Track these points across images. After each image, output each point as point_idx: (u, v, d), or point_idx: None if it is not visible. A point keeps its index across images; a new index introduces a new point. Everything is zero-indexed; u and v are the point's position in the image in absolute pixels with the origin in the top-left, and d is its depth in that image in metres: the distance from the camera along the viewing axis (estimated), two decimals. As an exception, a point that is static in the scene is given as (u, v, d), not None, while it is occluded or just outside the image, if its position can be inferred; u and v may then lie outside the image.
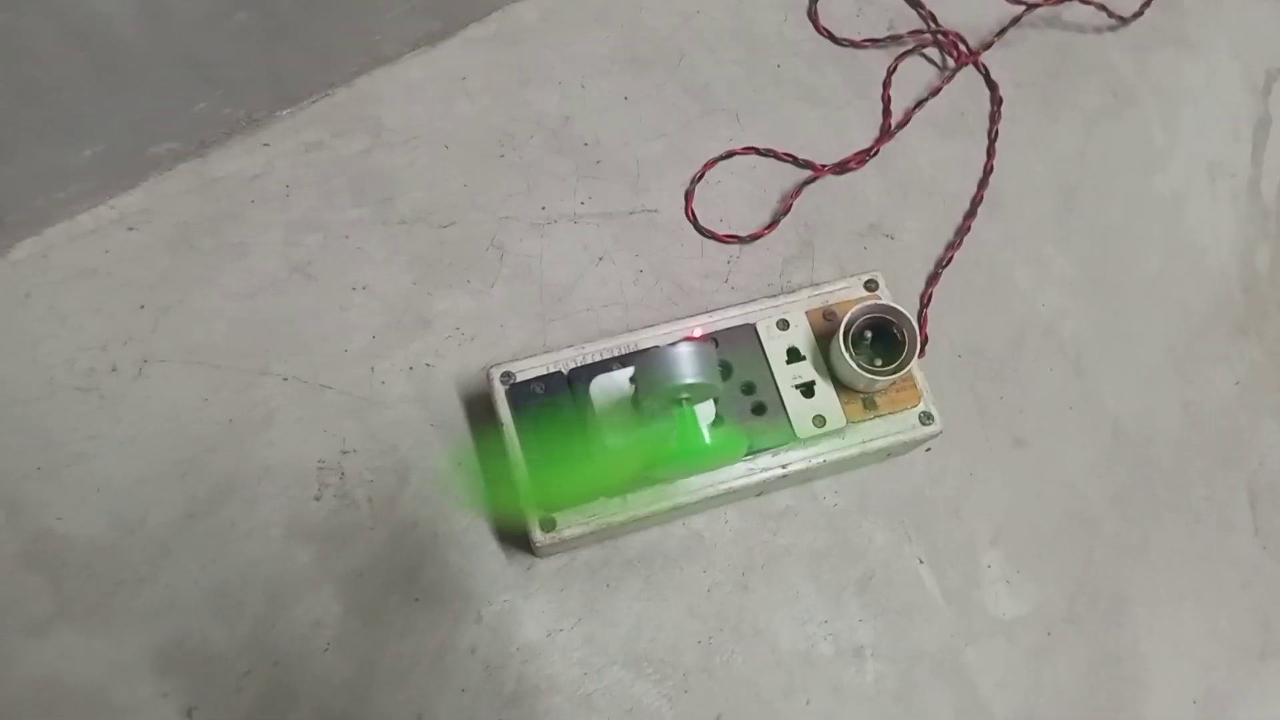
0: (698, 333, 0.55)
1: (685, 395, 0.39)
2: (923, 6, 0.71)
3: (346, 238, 0.62)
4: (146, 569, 0.54)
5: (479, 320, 0.60)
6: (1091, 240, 0.67)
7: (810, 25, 0.70)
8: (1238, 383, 0.64)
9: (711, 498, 0.53)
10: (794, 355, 0.55)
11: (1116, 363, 0.64)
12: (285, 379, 0.58)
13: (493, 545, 0.56)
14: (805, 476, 0.56)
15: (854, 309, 0.53)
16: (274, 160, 0.63)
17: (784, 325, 0.56)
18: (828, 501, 0.59)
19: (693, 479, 0.53)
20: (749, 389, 0.54)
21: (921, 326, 0.62)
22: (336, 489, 0.56)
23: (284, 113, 0.64)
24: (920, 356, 0.60)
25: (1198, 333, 0.65)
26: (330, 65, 0.63)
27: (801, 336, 0.55)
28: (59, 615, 0.53)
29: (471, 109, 0.66)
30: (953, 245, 0.65)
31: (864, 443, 0.55)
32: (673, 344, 0.40)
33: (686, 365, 0.39)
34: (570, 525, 0.52)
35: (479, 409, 0.58)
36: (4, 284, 0.59)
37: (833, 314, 0.56)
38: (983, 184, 0.67)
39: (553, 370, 0.54)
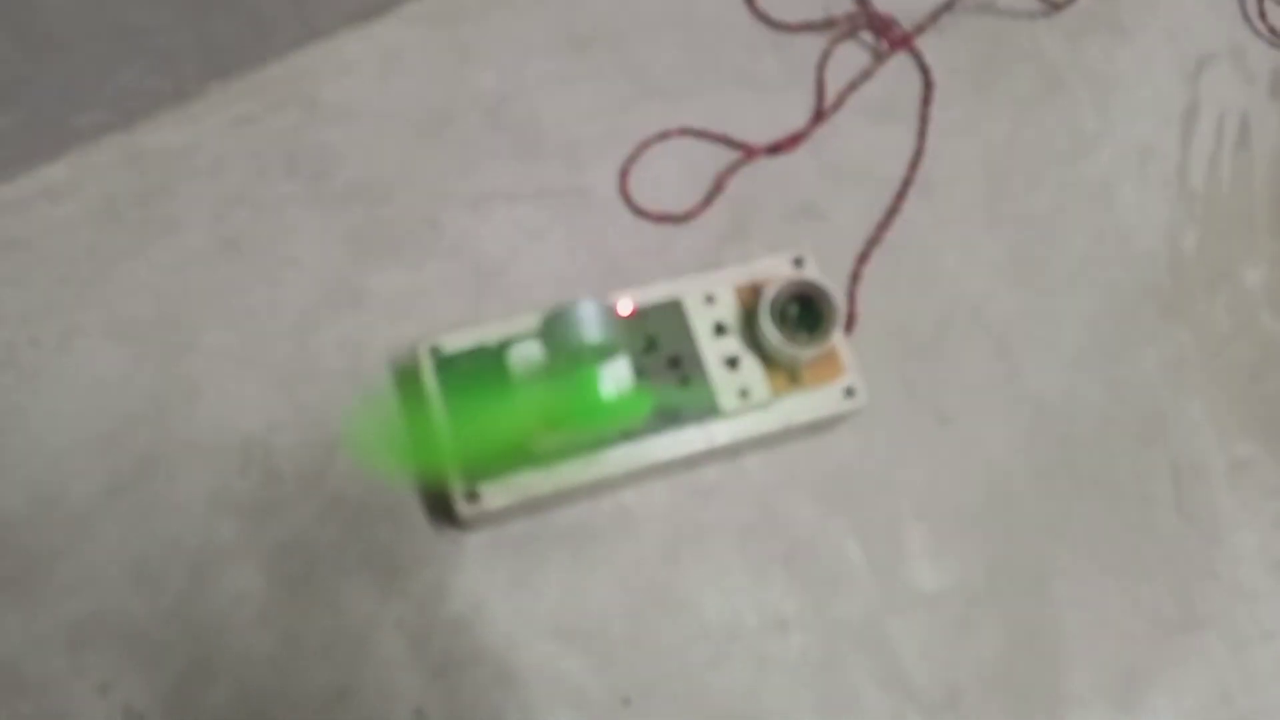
0: (627, 305, 0.55)
1: (587, 354, 0.39)
2: (857, -9, 0.72)
3: (278, 213, 0.61)
4: (64, 543, 0.53)
5: (412, 296, 0.60)
6: (1020, 224, 0.68)
7: (747, 9, 0.71)
8: (1163, 363, 0.65)
9: (637, 470, 0.54)
10: (720, 330, 0.55)
11: (1042, 344, 0.65)
12: (212, 354, 0.58)
13: (421, 519, 0.56)
14: (732, 451, 0.57)
15: (777, 282, 0.54)
16: (203, 134, 0.63)
17: (711, 300, 0.56)
18: (755, 476, 0.59)
19: (617, 449, 0.53)
20: (675, 362, 0.55)
21: (851, 305, 0.63)
22: (262, 464, 0.56)
23: (214, 85, 0.63)
24: (848, 333, 0.61)
25: (1124, 314, 0.66)
26: (263, 37, 0.63)
27: (728, 311, 0.56)
28: (-27, 589, 0.52)
29: (409, 86, 0.66)
30: (883, 227, 0.66)
31: (789, 415, 0.55)
32: (574, 302, 0.40)
33: (587, 325, 0.40)
34: (494, 496, 0.52)
35: (410, 384, 0.58)
36: (-77, 255, 0.58)
37: (760, 290, 0.56)
38: (913, 167, 0.68)
39: (481, 344, 0.54)
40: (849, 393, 0.56)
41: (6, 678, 0.51)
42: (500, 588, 0.55)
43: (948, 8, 0.71)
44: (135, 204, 0.60)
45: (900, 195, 0.67)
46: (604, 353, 0.39)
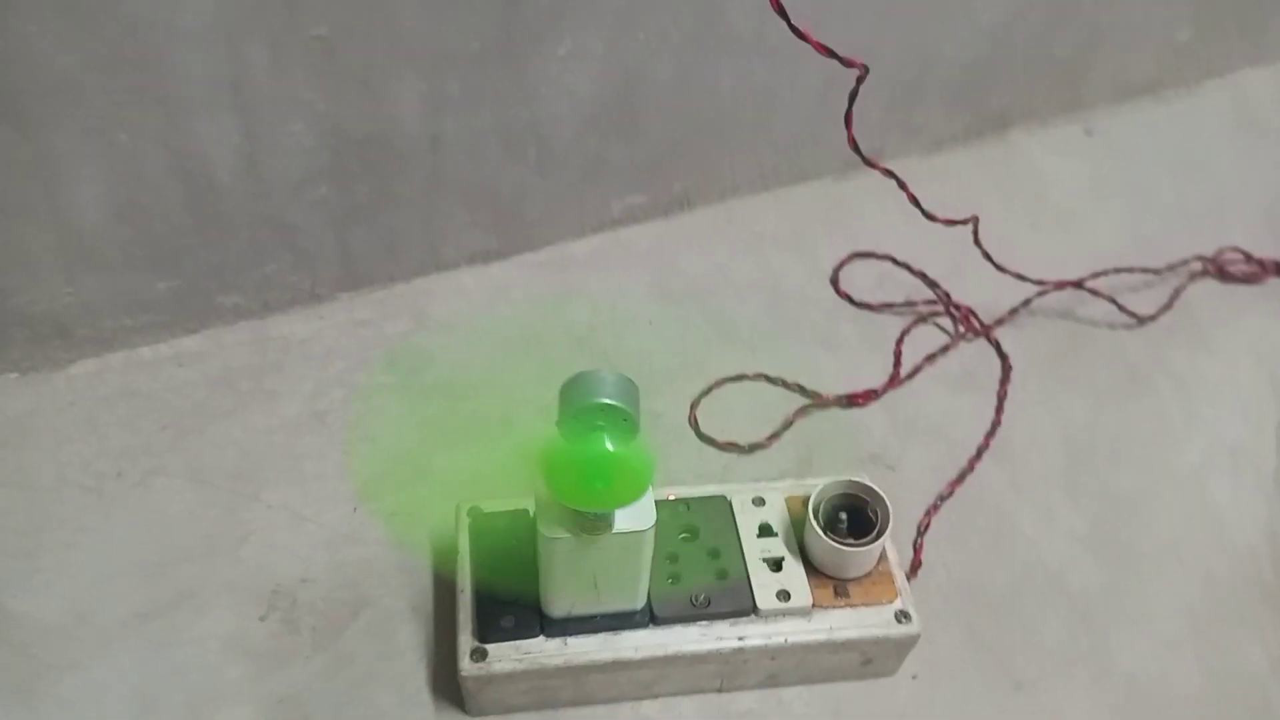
0: (670, 494, 0.55)
1: (600, 418, 0.39)
2: (938, 286, 0.76)
3: (369, 397, 0.66)
4: (81, 659, 0.53)
5: (473, 481, 0.61)
6: (1103, 500, 0.65)
7: (831, 289, 0.76)
8: (1272, 659, 0.58)
9: (660, 659, 0.50)
10: (766, 530, 0.54)
11: (1130, 621, 0.59)
12: (271, 506, 0.60)
13: (427, 695, 0.53)
14: (769, 673, 0.52)
15: (826, 483, 0.53)
16: (325, 329, 0.70)
17: (760, 502, 0.55)
18: (796, 710, 0.54)
19: (638, 634, 0.50)
20: (714, 554, 0.53)
21: (916, 553, 0.60)
22: (285, 613, 0.55)
23: (344, 294, 0.71)
24: (909, 578, 0.58)
25: (1224, 604, 0.60)
26: (395, 259, 0.72)
27: (776, 515, 0.54)
28: (-23, 687, 0.52)
29: (509, 312, 0.72)
30: (955, 483, 0.64)
31: (831, 630, 0.51)
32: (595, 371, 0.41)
33: (605, 386, 0.40)
34: (501, 659, 0.49)
35: (447, 562, 0.57)
36: (55, 392, 0.64)
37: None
38: (990, 434, 0.67)
39: (520, 508, 0.54)
40: (902, 617, 0.52)
41: (-31, 776, 0.48)
42: (494, 781, 0.50)
43: (1025, 304, 0.74)
44: (249, 376, 0.67)
45: (976, 457, 0.66)
46: (620, 418, 0.39)
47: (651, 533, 0.46)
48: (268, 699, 0.52)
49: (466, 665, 0.49)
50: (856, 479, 0.53)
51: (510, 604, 0.50)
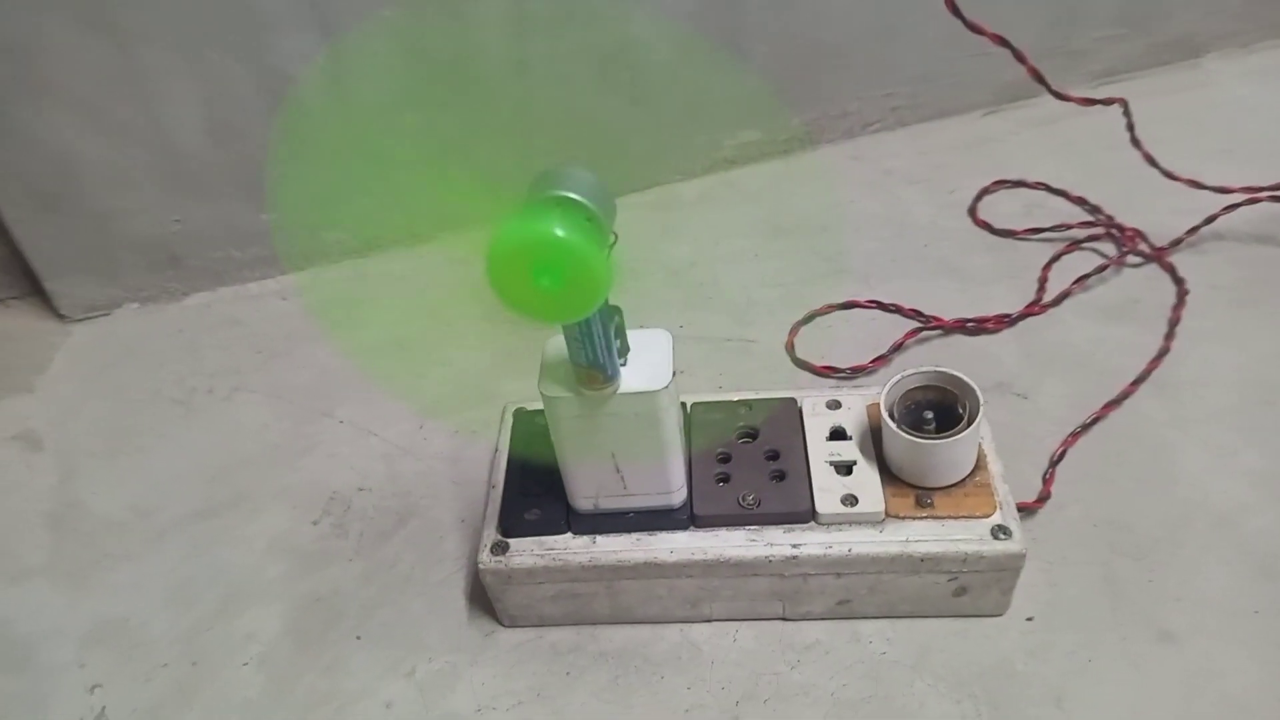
0: (732, 397, 0.48)
1: (559, 211, 0.34)
2: (1100, 211, 0.66)
3: (450, 325, 0.64)
4: (136, 549, 0.53)
5: (539, 403, 0.58)
6: (1296, 438, 0.52)
7: (969, 219, 0.67)
8: None
9: (700, 564, 0.43)
10: (839, 434, 0.46)
11: (1333, 574, 0.46)
12: (341, 421, 0.59)
13: (460, 603, 0.49)
14: (838, 597, 0.44)
15: (903, 374, 0.45)
16: (422, 268, 0.69)
17: (835, 405, 0.47)
18: (873, 646, 0.45)
19: (676, 537, 0.43)
20: (774, 456, 0.46)
21: (1046, 483, 0.50)
22: (337, 518, 0.53)
23: (444, 234, 0.70)
24: (1032, 513, 0.48)
25: None
26: (492, 196, 0.70)
27: (853, 420, 0.47)
28: (41, 571, 0.53)
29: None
30: (1104, 410, 0.53)
31: (907, 541, 0.42)
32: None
33: (570, 180, 0.35)
34: (522, 553, 0.44)
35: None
36: (168, 320, 0.67)
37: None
38: (1153, 364, 0.56)
39: (565, 405, 0.49)
40: (1000, 533, 0.42)
41: (20, 658, 0.49)
42: (514, 694, 0.45)
43: (1209, 221, 0.62)
44: (343, 307, 0.67)
45: (1131, 388, 0.54)
46: (579, 218, 0.34)
47: (667, 395, 0.40)
48: (302, 598, 0.50)
49: (485, 558, 0.44)
50: (941, 368, 0.44)
51: (538, 498, 0.45)
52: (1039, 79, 0.52)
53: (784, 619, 0.46)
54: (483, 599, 0.48)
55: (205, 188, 0.64)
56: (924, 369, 0.45)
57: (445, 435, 0.57)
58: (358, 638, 0.48)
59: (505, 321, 0.64)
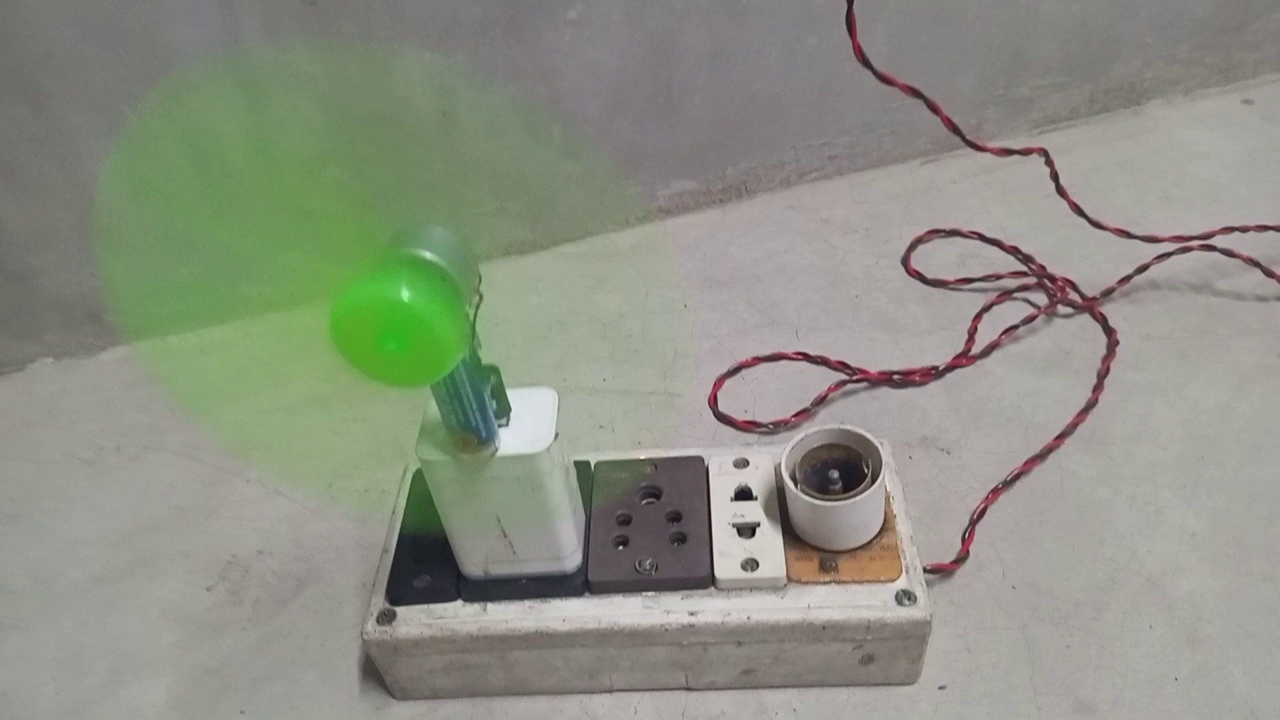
0: (639, 454, 0.47)
1: (408, 272, 0.33)
2: (1032, 260, 0.65)
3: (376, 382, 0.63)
4: (29, 618, 0.51)
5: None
6: (1231, 496, 0.50)
7: (901, 269, 0.66)
8: None
9: (594, 633, 0.41)
10: (744, 494, 0.45)
11: (1255, 639, 0.44)
12: (249, 481, 0.57)
13: (353, 674, 0.46)
14: (741, 667, 0.42)
15: (806, 433, 0.43)
16: (348, 321, 0.68)
17: (743, 464, 0.46)
18: (779, 718, 0.43)
19: (569, 605, 0.42)
20: (675, 518, 0.44)
21: (964, 542, 0.48)
22: (233, 584, 0.51)
23: (373, 287, 0.69)
24: (947, 574, 0.47)
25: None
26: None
27: (761, 480, 0.45)
28: (-73, 641, 0.51)
29: (538, 302, 0.67)
30: (1027, 465, 0.52)
31: (809, 608, 0.41)
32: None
33: (425, 238, 0.33)
34: (409, 622, 0.42)
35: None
36: (83, 376, 0.65)
37: (809, 467, 0.45)
38: (1080, 417, 0.54)
39: (465, 466, 0.48)
40: (904, 598, 0.41)
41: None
42: (403, 773, 0.42)
43: (1141, 270, 0.61)
44: (265, 364, 0.65)
45: (1060, 438, 0.53)
46: (432, 279, 0.32)
47: (548, 458, 0.38)
48: (192, 669, 0.48)
49: (370, 628, 0.42)
50: (845, 426, 0.43)
51: (428, 564, 0.44)
52: (954, 130, 0.51)
53: (688, 689, 0.44)
54: (376, 670, 0.46)
55: (124, 244, 0.62)
56: (826, 428, 0.43)
57: (355, 495, 0.55)
58: (242, 713, 0.45)
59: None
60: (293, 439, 0.60)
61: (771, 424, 0.56)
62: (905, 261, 0.67)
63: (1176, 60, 0.77)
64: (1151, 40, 0.75)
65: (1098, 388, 0.56)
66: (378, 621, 0.42)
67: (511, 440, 0.38)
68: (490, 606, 0.42)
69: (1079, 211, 0.59)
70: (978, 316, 0.61)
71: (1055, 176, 0.57)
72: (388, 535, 0.46)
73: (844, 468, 0.43)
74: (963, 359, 0.58)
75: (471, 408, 0.36)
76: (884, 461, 0.41)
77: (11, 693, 0.48)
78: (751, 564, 0.42)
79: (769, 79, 0.68)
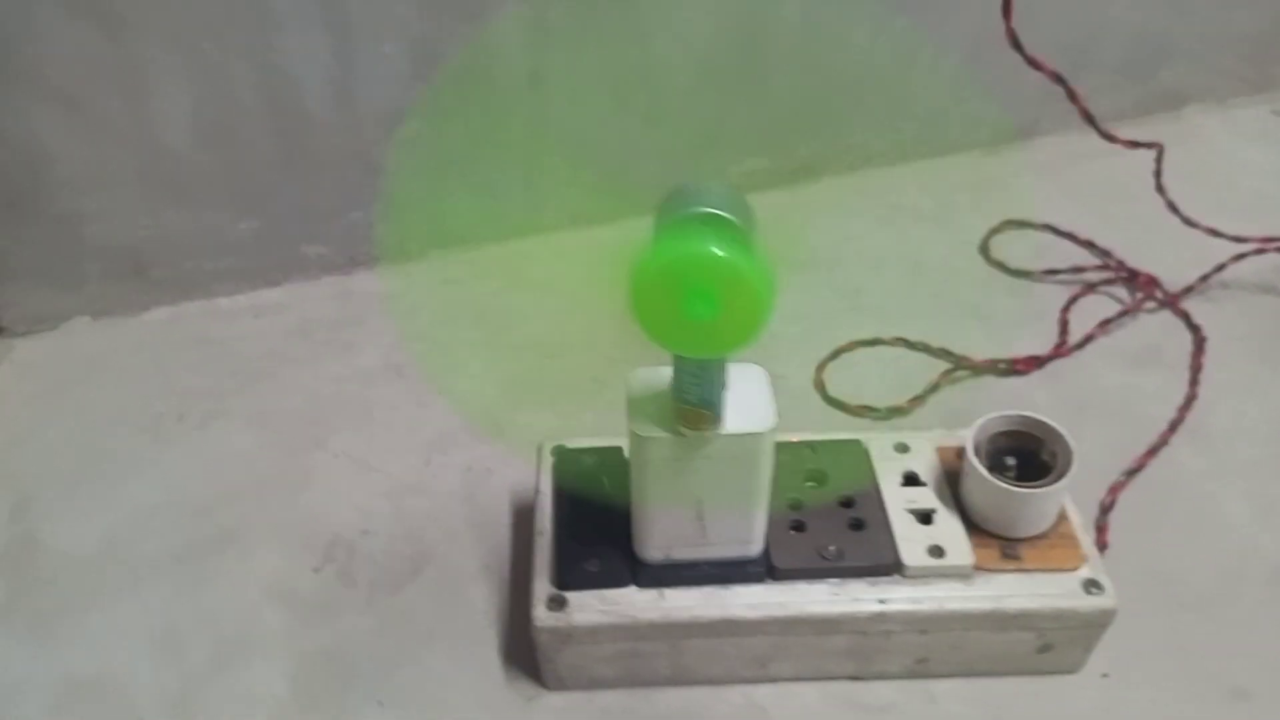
0: (793, 437, 0.45)
1: (701, 231, 0.31)
2: (1111, 254, 0.66)
3: (451, 352, 0.60)
4: (109, 593, 0.47)
5: (557, 437, 0.53)
6: (1338, 492, 0.52)
7: (981, 258, 0.67)
8: None
9: (779, 622, 0.40)
10: (912, 479, 0.44)
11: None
12: (336, 454, 0.53)
13: (496, 662, 0.44)
14: (916, 655, 0.42)
15: (988, 417, 0.43)
16: (411, 287, 0.64)
17: (903, 449, 0.45)
18: (946, 707, 0.42)
19: (754, 591, 0.40)
20: (848, 503, 0.43)
21: (1100, 534, 0.49)
22: (341, 565, 0.48)
23: (435, 252, 0.66)
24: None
25: None
26: (494, 220, 0.66)
27: (925, 464, 0.44)
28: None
29: (611, 277, 0.65)
30: (1145, 458, 0.52)
31: (1000, 597, 0.40)
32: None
33: (709, 195, 0.32)
34: (584, 608, 0.40)
35: (527, 519, 0.49)
36: (128, 334, 0.60)
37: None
38: (1184, 411, 0.55)
39: (611, 445, 0.45)
40: (1092, 587, 0.41)
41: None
42: (564, 767, 0.40)
43: (1219, 269, 0.63)
44: (327, 328, 0.61)
45: (1169, 432, 0.54)
46: (725, 235, 0.31)
47: (772, 437, 0.36)
48: (308, 652, 0.44)
49: (541, 614, 0.40)
50: (1029, 414, 0.42)
51: (597, 547, 0.41)
52: (1089, 119, 0.52)
53: (855, 678, 0.43)
54: (519, 658, 0.43)
55: (184, 192, 0.57)
56: (1008, 413, 0.43)
57: (456, 472, 0.52)
58: (379, 703, 0.42)
59: (508, 349, 0.60)
60: (373, 409, 0.56)
61: (885, 409, 0.55)
62: (984, 251, 0.67)
63: (1218, 70, 0.80)
64: (1200, 49, 0.78)
65: (1194, 383, 0.57)
66: (548, 607, 0.40)
67: (735, 418, 0.36)
68: (667, 592, 0.40)
69: (1174, 209, 0.60)
70: (1066, 308, 0.62)
71: (1159, 173, 0.58)
72: (537, 518, 0.43)
73: (1018, 454, 0.43)
74: (1061, 350, 0.59)
75: (719, 380, 0.34)
76: (1071, 451, 0.41)
77: (106, 675, 0.43)
78: (937, 550, 0.41)
79: (853, 58, 0.67)
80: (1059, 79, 0.50)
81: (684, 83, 0.65)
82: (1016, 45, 0.49)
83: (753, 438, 0.36)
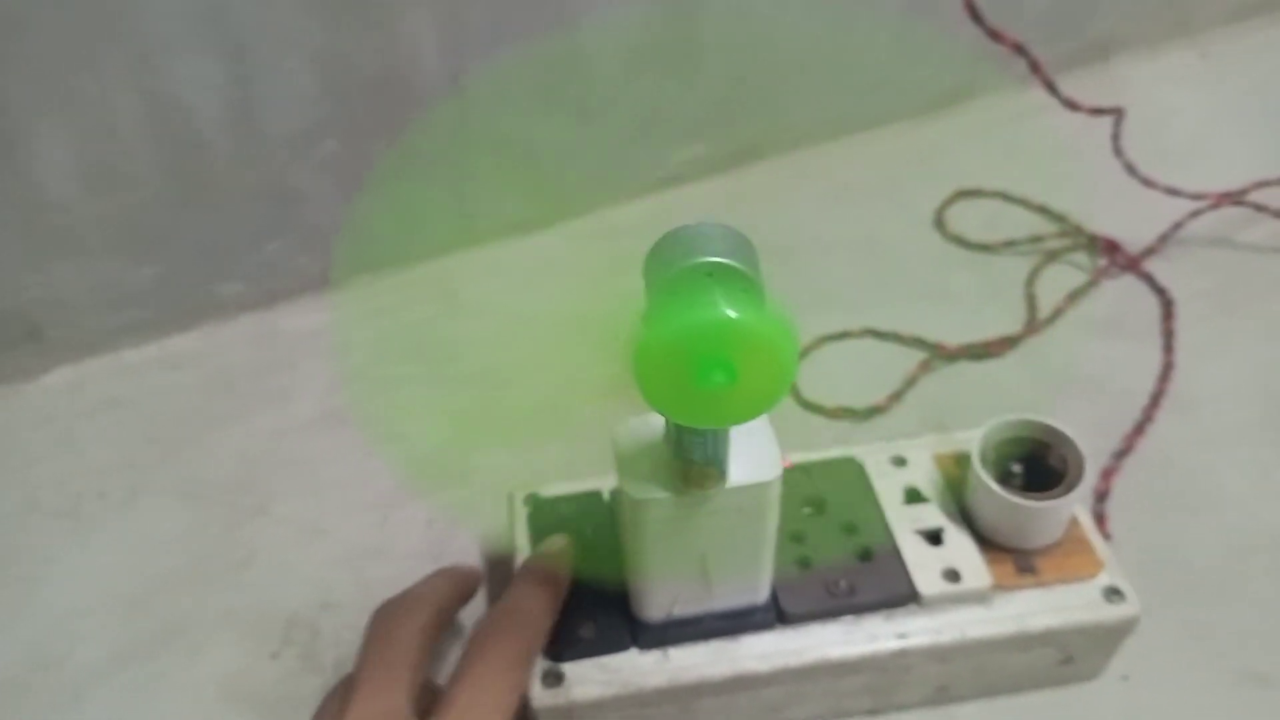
0: (784, 461, 0.42)
1: (705, 283, 0.27)
2: (1066, 219, 0.64)
3: (393, 391, 0.55)
4: (43, 715, 0.41)
5: (524, 477, 0.49)
6: (1330, 449, 0.51)
7: (937, 233, 0.64)
8: None
9: (795, 672, 0.37)
10: (914, 496, 0.41)
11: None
12: (281, 521, 0.48)
13: (487, 741, 0.40)
14: (936, 684, 0.39)
15: (993, 424, 0.40)
16: (342, 320, 0.59)
17: (900, 462, 0.42)
18: (974, 733, 0.40)
19: (764, 640, 0.37)
20: (850, 529, 0.40)
21: (1102, 524, 0.47)
22: (303, 647, 0.43)
23: (361, 278, 0.61)
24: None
25: None
26: (419, 236, 0.61)
27: (924, 477, 0.42)
28: (-93, 766, 0.40)
29: (553, 291, 0.61)
30: (1129, 443, 0.51)
31: (1023, 618, 0.38)
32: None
33: (709, 240, 0.28)
34: (584, 681, 0.36)
35: (504, 576, 0.45)
36: (28, 405, 0.54)
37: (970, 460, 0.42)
38: (1162, 382, 0.54)
39: (590, 490, 0.42)
40: (1113, 595, 0.39)
41: None
42: None
43: (1176, 227, 0.62)
44: (252, 376, 0.56)
45: (1152, 406, 0.52)
46: (733, 286, 0.27)
47: (778, 485, 0.33)
48: (280, 759, 0.40)
49: (539, 693, 0.36)
50: (1034, 417, 0.40)
51: (589, 609, 0.38)
52: (1050, 88, 0.49)
53: (872, 713, 0.41)
54: (514, 734, 0.40)
55: (74, 242, 0.51)
56: (1011, 419, 0.40)
57: (417, 528, 0.48)
58: (368, 804, 0.38)
59: (453, 381, 0.56)
60: (317, 466, 0.51)
61: (864, 409, 0.53)
62: (939, 225, 0.64)
63: (1143, 15, 0.79)
64: (1125, -4, 0.76)
65: (1168, 349, 0.56)
66: (544, 684, 0.36)
67: (739, 468, 0.33)
68: (671, 652, 0.37)
69: (1131, 171, 0.59)
70: (1030, 281, 0.60)
71: (1117, 137, 0.56)
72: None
73: (1025, 460, 0.40)
74: (1032, 328, 0.57)
75: (723, 438, 0.30)
76: (1082, 454, 0.39)
77: (46, 818, 0.38)
78: (952, 575, 0.38)
79: (790, 31, 0.64)
80: (1020, 49, 0.48)
81: (614, 71, 0.60)
82: (976, 17, 0.46)
83: (759, 488, 0.33)
